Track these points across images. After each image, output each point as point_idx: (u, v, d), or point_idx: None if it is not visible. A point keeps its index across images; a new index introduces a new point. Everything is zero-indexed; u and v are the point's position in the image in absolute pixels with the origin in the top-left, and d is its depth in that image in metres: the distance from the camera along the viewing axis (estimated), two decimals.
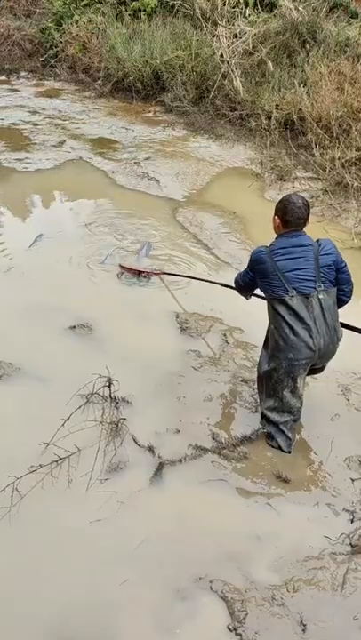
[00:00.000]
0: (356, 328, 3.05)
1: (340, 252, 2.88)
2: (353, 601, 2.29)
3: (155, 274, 4.16)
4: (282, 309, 2.75)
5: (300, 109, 6.11)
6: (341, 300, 2.90)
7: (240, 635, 2.16)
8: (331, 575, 2.39)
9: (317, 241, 2.85)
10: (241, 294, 3.19)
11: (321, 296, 2.74)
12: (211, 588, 2.34)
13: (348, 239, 4.77)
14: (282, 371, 2.79)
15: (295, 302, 2.73)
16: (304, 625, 2.20)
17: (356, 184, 5.29)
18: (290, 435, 2.89)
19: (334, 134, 5.89)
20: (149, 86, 7.27)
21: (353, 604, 2.28)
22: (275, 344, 2.81)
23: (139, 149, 6.19)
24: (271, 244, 2.86)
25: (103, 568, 2.39)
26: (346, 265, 2.88)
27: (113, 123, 6.81)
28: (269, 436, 2.92)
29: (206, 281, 3.88)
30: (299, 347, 2.73)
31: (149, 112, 7.11)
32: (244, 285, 3.06)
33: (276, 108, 6.30)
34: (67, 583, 2.32)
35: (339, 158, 5.63)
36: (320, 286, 2.75)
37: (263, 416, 2.94)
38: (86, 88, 7.67)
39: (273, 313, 2.82)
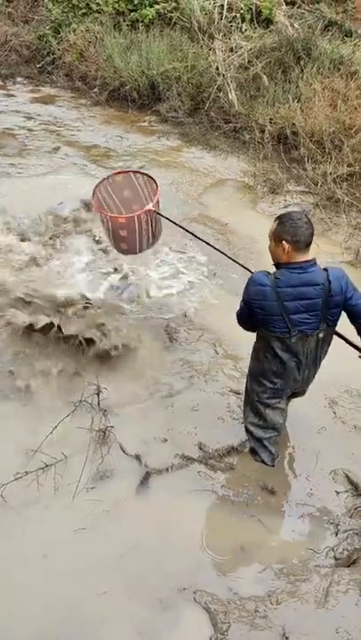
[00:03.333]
0: (351, 343, 2.88)
1: (349, 280, 2.55)
2: (336, 614, 2.30)
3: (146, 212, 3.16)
4: (277, 345, 2.57)
5: (294, 124, 6.18)
6: None
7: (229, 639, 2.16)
8: (314, 588, 2.40)
9: (325, 270, 2.51)
10: (246, 329, 2.75)
11: (321, 335, 2.57)
12: (194, 600, 2.34)
13: (337, 253, 4.83)
14: (266, 395, 2.75)
15: (293, 341, 2.54)
16: (286, 638, 2.20)
17: (346, 199, 5.36)
18: (273, 450, 2.89)
19: (326, 150, 5.97)
20: (145, 96, 7.31)
21: (336, 616, 2.29)
22: (262, 370, 2.69)
23: (133, 158, 6.22)
24: (275, 277, 2.49)
25: (85, 578, 2.38)
26: (354, 294, 2.54)
27: (108, 131, 6.83)
28: (253, 451, 2.92)
29: (205, 242, 3.30)
30: (286, 378, 2.68)
31: (144, 121, 7.15)
32: (247, 322, 2.66)
33: (270, 122, 6.37)
34: (48, 596, 2.30)
35: (330, 173, 5.70)
36: (323, 326, 2.55)
37: (247, 430, 2.92)
38: (82, 96, 7.70)
39: (265, 344, 2.63)
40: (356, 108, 6.15)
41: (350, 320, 2.60)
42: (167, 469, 2.88)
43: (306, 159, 5.92)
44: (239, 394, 3.25)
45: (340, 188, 5.54)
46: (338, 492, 2.82)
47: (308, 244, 2.47)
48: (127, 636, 2.21)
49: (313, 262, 2.49)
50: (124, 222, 3.18)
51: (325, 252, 4.74)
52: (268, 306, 2.49)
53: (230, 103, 6.72)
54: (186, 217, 5.04)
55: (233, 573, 2.46)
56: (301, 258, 2.47)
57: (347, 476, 2.88)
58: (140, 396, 3.26)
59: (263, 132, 6.35)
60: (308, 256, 2.49)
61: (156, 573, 2.41)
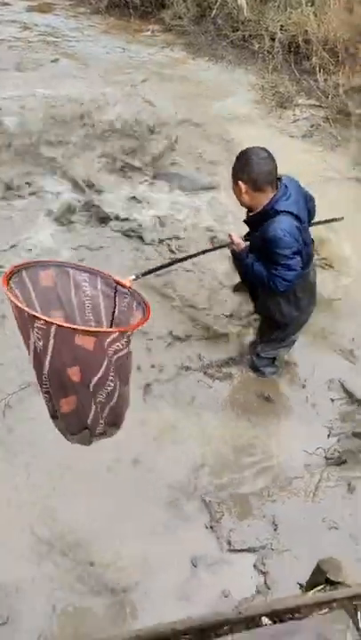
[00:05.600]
0: (327, 220, 2.89)
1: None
2: (323, 506, 2.45)
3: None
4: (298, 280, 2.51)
5: (306, 31, 5.80)
6: None
7: (215, 532, 2.32)
8: (305, 484, 2.54)
9: (282, 181, 2.43)
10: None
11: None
12: (195, 496, 2.47)
13: (347, 169, 4.67)
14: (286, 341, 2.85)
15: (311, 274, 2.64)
16: (276, 525, 2.36)
17: (358, 112, 5.11)
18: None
19: (340, 59, 5.63)
20: (148, 2, 6.84)
21: (323, 508, 2.44)
22: (289, 312, 2.65)
23: (136, 70, 5.92)
24: (285, 212, 2.35)
25: (94, 484, 2.48)
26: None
27: (109, 41, 6.45)
28: (257, 369, 2.95)
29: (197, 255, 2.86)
30: (308, 311, 2.74)
31: (147, 31, 6.73)
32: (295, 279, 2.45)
33: (281, 29, 5.97)
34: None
35: (343, 85, 5.41)
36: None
37: (258, 355, 2.92)
38: (81, 3, 7.21)
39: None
40: None
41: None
42: (168, 379, 2.96)
43: (318, 69, 5.61)
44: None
45: (352, 100, 5.27)
46: (333, 400, 2.91)
47: (270, 181, 2.35)
48: (137, 527, 2.35)
49: (283, 182, 2.40)
50: (88, 346, 1.71)
51: (334, 169, 4.60)
52: (304, 244, 2.43)
53: (239, 9, 6.28)
54: (189, 134, 4.86)
55: (230, 473, 2.60)
56: (269, 194, 2.36)
57: (342, 385, 2.96)
58: None
59: (273, 40, 5.97)
60: (274, 188, 2.37)
61: (160, 476, 2.53)
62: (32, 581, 2.14)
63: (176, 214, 3.93)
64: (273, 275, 2.41)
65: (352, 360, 3.09)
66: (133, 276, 2.33)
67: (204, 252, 2.81)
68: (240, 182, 2.35)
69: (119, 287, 2.04)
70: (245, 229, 2.60)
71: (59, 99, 4.70)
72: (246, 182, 2.34)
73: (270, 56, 5.97)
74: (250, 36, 6.23)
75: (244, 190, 2.36)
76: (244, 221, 2.57)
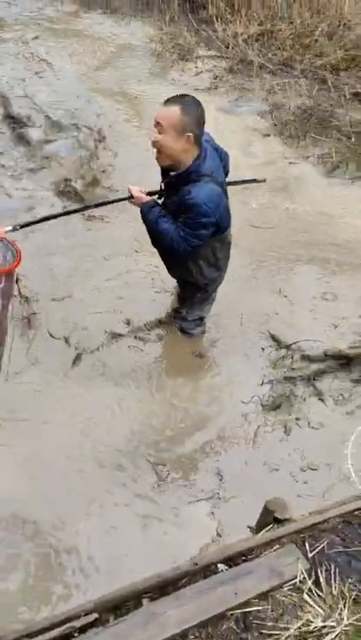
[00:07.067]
0: (244, 180, 2.90)
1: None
2: (263, 451, 2.54)
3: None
4: (217, 246, 2.55)
5: None
6: None
7: (163, 491, 2.35)
8: (244, 432, 2.61)
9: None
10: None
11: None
12: (137, 458, 2.48)
13: (251, 123, 4.66)
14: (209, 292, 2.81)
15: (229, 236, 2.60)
16: (220, 475, 2.42)
17: (259, 60, 5.10)
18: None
19: (236, 7, 5.56)
20: None
21: (263, 453, 2.53)
22: (204, 275, 2.65)
23: (25, 27, 5.52)
24: (205, 175, 2.29)
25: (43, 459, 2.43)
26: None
27: None
28: (184, 331, 2.94)
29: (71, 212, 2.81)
30: (225, 269, 2.73)
31: None
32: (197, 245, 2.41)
33: None
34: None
35: (241, 34, 5.38)
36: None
37: (185, 319, 2.90)
38: None
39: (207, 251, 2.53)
40: None
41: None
42: (97, 348, 2.91)
43: (215, 19, 5.52)
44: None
45: (252, 49, 5.26)
46: (263, 348, 2.98)
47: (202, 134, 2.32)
48: (94, 489, 2.34)
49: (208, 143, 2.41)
50: None
51: (239, 124, 4.60)
52: (224, 209, 2.40)
53: None
54: (90, 90, 4.65)
55: (170, 433, 2.61)
56: (195, 152, 2.30)
57: (270, 333, 3.03)
58: (57, 279, 3.19)
59: None
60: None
61: (102, 444, 2.51)
62: None
63: None
64: (180, 236, 2.34)
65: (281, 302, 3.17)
66: (10, 227, 2.28)
67: (98, 204, 2.70)
68: (191, 134, 2.23)
69: None
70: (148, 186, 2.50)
71: None
72: (195, 135, 2.24)
73: (166, 6, 5.80)
74: None
75: (188, 143, 2.24)
76: (164, 183, 2.45)
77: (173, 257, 2.57)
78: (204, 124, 2.31)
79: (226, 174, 2.58)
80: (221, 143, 2.62)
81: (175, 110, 2.22)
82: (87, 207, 2.94)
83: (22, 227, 2.45)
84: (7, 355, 2.60)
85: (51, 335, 2.92)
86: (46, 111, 4.28)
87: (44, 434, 2.51)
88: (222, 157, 2.52)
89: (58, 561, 2.12)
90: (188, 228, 2.32)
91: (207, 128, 2.41)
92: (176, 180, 2.36)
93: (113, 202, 2.79)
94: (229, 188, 2.58)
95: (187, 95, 2.34)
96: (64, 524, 2.21)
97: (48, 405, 2.62)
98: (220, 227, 2.43)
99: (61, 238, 3.46)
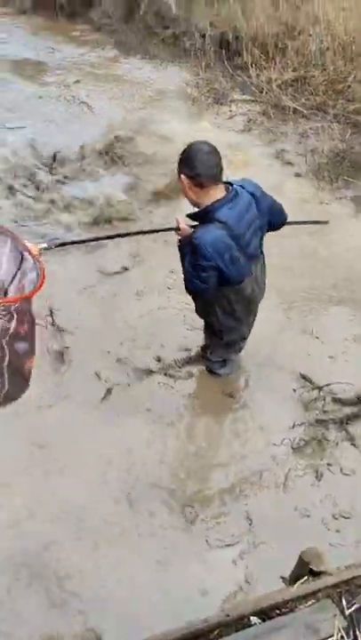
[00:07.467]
0: (306, 221, 2.86)
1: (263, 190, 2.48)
2: (294, 495, 2.47)
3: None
4: (232, 296, 2.50)
5: (236, 27, 5.88)
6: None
7: (190, 533, 2.30)
8: (274, 476, 2.56)
9: (235, 185, 2.35)
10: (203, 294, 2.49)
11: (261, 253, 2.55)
12: (168, 497, 2.44)
13: (284, 164, 4.74)
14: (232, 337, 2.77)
15: (249, 291, 2.52)
16: (250, 519, 2.36)
17: (292, 105, 5.23)
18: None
19: (270, 54, 5.74)
20: (74, 2, 6.74)
21: (294, 498, 2.46)
22: (223, 320, 2.61)
23: (67, 72, 5.81)
24: (219, 221, 2.26)
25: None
26: (269, 196, 2.51)
27: (37, 43, 6.31)
28: (212, 371, 2.93)
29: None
30: (248, 322, 2.70)
31: (76, 31, 6.62)
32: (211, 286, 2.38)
33: (211, 26, 6.03)
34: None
35: (275, 79, 5.52)
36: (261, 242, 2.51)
37: (208, 359, 2.90)
38: (5, 3, 7.02)
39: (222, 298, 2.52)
40: (297, 7, 5.89)
41: (272, 222, 2.52)
42: (128, 384, 2.92)
43: (250, 65, 5.70)
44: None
45: (286, 94, 5.39)
46: (294, 390, 2.94)
47: (213, 175, 2.25)
48: (118, 527, 2.31)
49: (234, 188, 2.32)
50: None
51: (272, 165, 4.67)
52: (231, 260, 2.30)
53: (167, 6, 6.30)
54: (129, 132, 4.82)
55: (200, 473, 2.58)
56: (214, 195, 2.28)
57: (301, 374, 3.00)
58: (91, 315, 3.23)
59: (204, 37, 6.02)
60: (222, 190, 2.30)
61: (130, 483, 2.48)
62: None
63: None
64: (187, 273, 2.37)
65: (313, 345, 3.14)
66: (45, 245, 2.21)
67: (144, 232, 2.68)
68: (182, 176, 2.28)
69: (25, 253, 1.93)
70: None
71: None
72: (188, 177, 2.26)
73: (202, 53, 6.02)
74: (180, 33, 6.26)
75: (187, 186, 2.29)
76: (187, 216, 2.47)
77: (191, 294, 2.59)
78: (216, 168, 2.27)
79: (276, 224, 2.55)
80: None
81: (181, 151, 2.31)
82: (132, 233, 2.88)
83: (58, 246, 2.39)
84: (38, 387, 2.63)
85: (82, 369, 2.94)
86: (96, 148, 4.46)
87: (71, 469, 2.51)
88: (264, 209, 2.43)
89: (78, 608, 2.07)
90: (191, 267, 2.35)
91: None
92: (193, 218, 2.40)
93: (159, 231, 2.78)
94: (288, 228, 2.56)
95: (199, 141, 2.36)
96: (85, 564, 2.18)
97: (76, 440, 2.62)
98: (227, 276, 2.36)
99: (96, 270, 3.53)
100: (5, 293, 1.85)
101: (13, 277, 1.83)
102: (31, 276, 1.81)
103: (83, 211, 3.94)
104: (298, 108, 5.24)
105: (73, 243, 2.44)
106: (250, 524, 2.34)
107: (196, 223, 2.43)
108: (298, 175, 4.58)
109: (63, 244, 2.39)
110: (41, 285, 1.70)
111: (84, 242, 2.57)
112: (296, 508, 2.41)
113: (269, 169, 4.60)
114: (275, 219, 2.54)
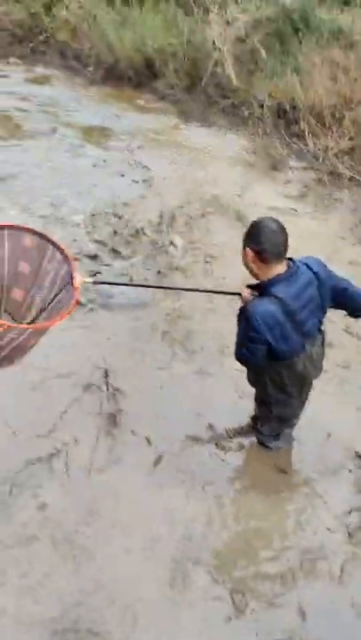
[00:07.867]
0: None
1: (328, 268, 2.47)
2: (351, 589, 2.32)
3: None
4: (284, 370, 2.48)
5: (293, 98, 6.07)
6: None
7: (239, 623, 2.18)
8: (329, 565, 2.42)
9: (297, 262, 2.36)
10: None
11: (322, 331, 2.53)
12: (213, 579, 2.34)
13: (340, 231, 4.75)
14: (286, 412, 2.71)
15: (301, 367, 2.47)
16: (303, 612, 2.22)
17: (348, 174, 5.28)
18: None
19: (327, 124, 5.86)
20: (141, 73, 7.17)
21: (351, 591, 2.31)
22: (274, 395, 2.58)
23: (131, 137, 6.12)
24: (275, 296, 2.27)
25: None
26: (335, 274, 2.49)
27: (105, 110, 6.71)
28: (264, 444, 2.87)
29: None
30: (301, 399, 2.65)
31: (141, 100, 7.02)
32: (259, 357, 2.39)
33: (269, 97, 6.25)
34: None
35: (332, 148, 5.62)
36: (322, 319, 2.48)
37: (259, 431, 2.84)
38: (77, 75, 7.55)
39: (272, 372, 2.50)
40: (356, 80, 6.02)
41: (338, 302, 2.49)
42: (179, 452, 2.87)
43: (307, 134, 5.83)
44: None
45: (342, 162, 5.46)
46: (350, 470, 2.82)
47: (279, 254, 2.28)
48: (161, 609, 2.23)
49: (296, 264, 2.33)
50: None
51: (327, 233, 4.69)
52: (282, 336, 2.30)
53: (228, 78, 6.59)
54: (187, 197, 4.97)
55: (248, 556, 2.47)
56: (275, 270, 2.30)
57: (357, 454, 2.88)
58: (145, 379, 3.25)
59: (262, 107, 6.23)
60: (283, 266, 2.32)
61: (176, 560, 2.41)
62: None
63: None
64: (239, 339, 2.39)
65: None
66: (91, 279, 2.26)
67: (207, 291, 2.68)
68: (248, 249, 2.32)
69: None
70: None
71: None
72: (254, 251, 2.30)
73: (260, 121, 6.22)
74: (239, 102, 6.51)
75: (250, 259, 2.33)
76: (247, 286, 2.48)
77: (239, 362, 2.55)
78: (282, 247, 2.29)
79: (349, 301, 2.52)
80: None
81: (250, 224, 2.36)
82: (194, 289, 2.90)
83: (103, 283, 2.43)
84: (90, 450, 2.64)
85: (134, 434, 2.93)
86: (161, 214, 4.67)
87: (117, 539, 2.46)
88: (327, 289, 2.41)
89: None
90: (241, 336, 2.37)
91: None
92: (253, 288, 2.42)
93: (221, 292, 2.87)
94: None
95: (268, 218, 2.39)
96: None
97: (124, 508, 2.58)
98: (276, 351, 2.35)
99: (150, 329, 3.58)
100: (42, 310, 2.13)
101: (53, 298, 2.11)
102: (64, 302, 2.09)
103: None
104: (354, 176, 5.29)
105: (119, 284, 2.46)
106: (302, 620, 2.20)
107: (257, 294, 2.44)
108: (353, 244, 4.57)
109: (109, 283, 2.42)
110: (69, 313, 2.02)
111: (132, 285, 2.61)
112: (353, 604, 2.25)
113: (324, 236, 4.62)
114: (346, 302, 2.50)
